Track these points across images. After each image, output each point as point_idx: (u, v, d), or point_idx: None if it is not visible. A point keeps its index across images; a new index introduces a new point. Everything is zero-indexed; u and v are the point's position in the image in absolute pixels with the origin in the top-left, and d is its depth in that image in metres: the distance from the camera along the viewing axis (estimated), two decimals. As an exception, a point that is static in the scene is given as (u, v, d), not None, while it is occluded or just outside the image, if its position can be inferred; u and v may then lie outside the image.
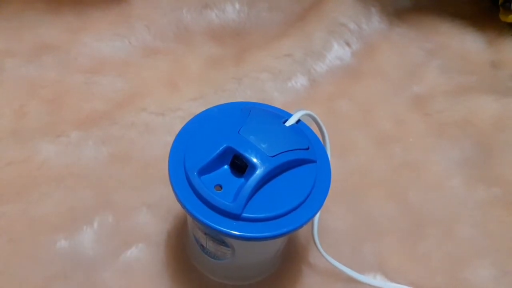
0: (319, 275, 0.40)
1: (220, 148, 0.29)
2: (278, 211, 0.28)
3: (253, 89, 0.52)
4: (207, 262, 0.36)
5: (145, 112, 0.49)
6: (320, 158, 0.31)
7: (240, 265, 0.36)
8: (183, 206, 0.28)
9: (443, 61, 0.57)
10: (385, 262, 0.41)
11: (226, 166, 0.30)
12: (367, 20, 0.60)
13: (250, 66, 0.54)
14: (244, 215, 0.28)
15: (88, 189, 0.43)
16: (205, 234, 0.32)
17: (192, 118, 0.33)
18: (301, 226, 0.29)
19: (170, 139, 0.31)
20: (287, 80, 0.53)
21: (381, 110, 0.52)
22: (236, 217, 0.28)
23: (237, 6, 0.60)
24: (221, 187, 0.29)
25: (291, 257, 0.41)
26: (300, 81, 0.54)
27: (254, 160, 0.28)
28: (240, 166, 0.29)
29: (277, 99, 0.52)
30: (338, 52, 0.57)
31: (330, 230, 0.42)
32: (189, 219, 0.35)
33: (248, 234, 0.27)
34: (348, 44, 0.58)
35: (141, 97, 0.50)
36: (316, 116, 0.33)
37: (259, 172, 0.28)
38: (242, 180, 0.29)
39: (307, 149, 0.31)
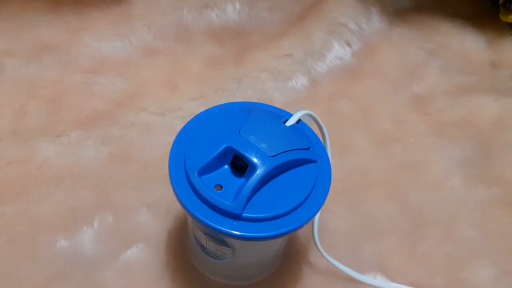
0: (319, 274, 0.40)
1: (221, 148, 0.29)
2: (279, 211, 0.28)
3: (253, 89, 0.52)
4: (207, 262, 0.36)
5: (145, 112, 0.49)
6: (320, 158, 0.31)
7: (240, 265, 0.36)
8: (183, 206, 0.28)
9: (443, 61, 0.57)
10: (385, 262, 0.41)
11: (226, 166, 0.30)
12: (367, 20, 0.60)
13: (250, 66, 0.54)
14: (245, 215, 0.28)
15: (88, 189, 0.43)
16: (206, 234, 0.32)
17: (192, 118, 0.33)
18: (301, 226, 0.29)
19: (170, 139, 0.31)
20: (287, 80, 0.53)
21: (381, 110, 0.52)
22: (236, 217, 0.28)
23: (237, 6, 0.60)
24: (221, 187, 0.29)
25: (292, 257, 0.41)
26: (300, 81, 0.54)
27: (255, 160, 0.28)
28: (241, 166, 0.29)
29: (277, 99, 0.52)
30: (338, 52, 0.57)
31: (330, 230, 0.42)
32: (189, 219, 0.35)
33: (248, 234, 0.27)
34: (348, 44, 0.58)
35: (141, 97, 0.50)
36: (316, 116, 0.33)
37: (259, 172, 0.28)
38: (242, 180, 0.29)
39: (308, 149, 0.31)
